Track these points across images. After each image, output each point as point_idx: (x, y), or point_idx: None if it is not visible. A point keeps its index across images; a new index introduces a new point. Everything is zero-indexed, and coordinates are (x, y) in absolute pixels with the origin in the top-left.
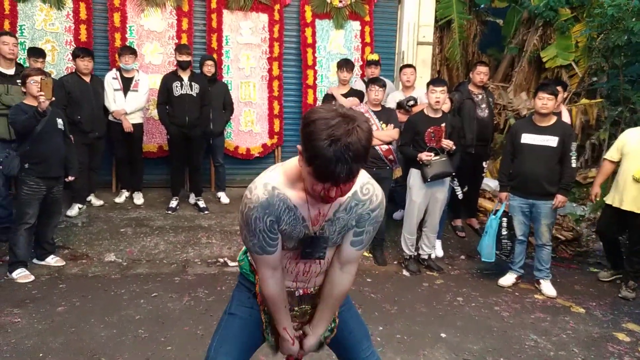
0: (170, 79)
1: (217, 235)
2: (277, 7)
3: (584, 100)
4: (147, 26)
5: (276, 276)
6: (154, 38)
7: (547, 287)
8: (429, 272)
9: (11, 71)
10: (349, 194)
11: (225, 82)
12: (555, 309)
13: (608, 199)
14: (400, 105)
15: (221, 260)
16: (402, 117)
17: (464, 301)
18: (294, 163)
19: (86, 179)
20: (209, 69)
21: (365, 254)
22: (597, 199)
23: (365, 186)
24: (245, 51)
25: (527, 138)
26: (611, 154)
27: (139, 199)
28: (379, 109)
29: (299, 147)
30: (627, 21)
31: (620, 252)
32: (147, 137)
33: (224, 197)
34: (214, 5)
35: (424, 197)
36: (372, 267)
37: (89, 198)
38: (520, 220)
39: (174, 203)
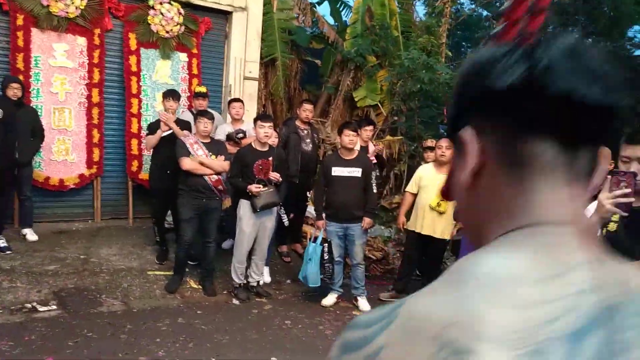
0: None
1: (22, 278)
2: (97, 31)
3: (388, 137)
4: None
5: None
6: None
7: (364, 303)
8: (258, 299)
9: None
10: None
11: (34, 107)
12: None
13: (410, 226)
14: (229, 137)
15: (28, 305)
16: (232, 149)
17: (292, 324)
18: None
19: None
20: (14, 92)
21: (194, 285)
22: (405, 227)
23: None
24: (59, 75)
25: (337, 171)
26: (410, 187)
27: None
28: (208, 140)
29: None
30: (419, 72)
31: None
32: None
33: (30, 234)
34: (20, 22)
35: (254, 227)
36: (201, 299)
37: None
38: (336, 243)
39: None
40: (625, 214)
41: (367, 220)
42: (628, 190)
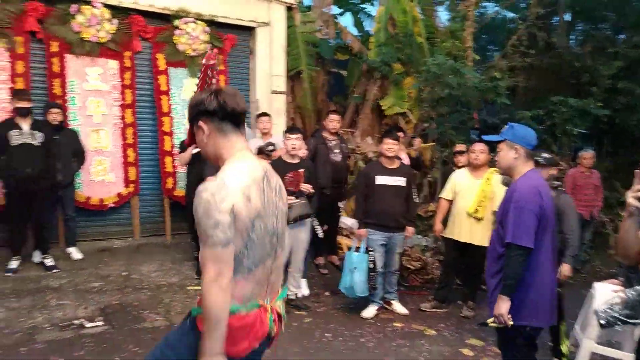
0: (5, 126)
1: (70, 295)
2: (127, 53)
3: (420, 144)
4: None
5: None
6: None
7: (399, 306)
8: (297, 312)
9: None
10: None
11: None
12: (412, 334)
13: (448, 233)
14: (260, 150)
15: (76, 322)
16: None
17: (332, 337)
18: None
19: None
20: (54, 116)
21: None
22: (442, 235)
23: None
24: (94, 98)
25: (381, 179)
26: (446, 194)
27: None
28: None
29: None
30: (447, 77)
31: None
32: None
33: (75, 253)
34: (54, 48)
35: (288, 239)
36: None
37: None
38: (380, 252)
39: (14, 264)
40: None
41: (410, 229)
42: None
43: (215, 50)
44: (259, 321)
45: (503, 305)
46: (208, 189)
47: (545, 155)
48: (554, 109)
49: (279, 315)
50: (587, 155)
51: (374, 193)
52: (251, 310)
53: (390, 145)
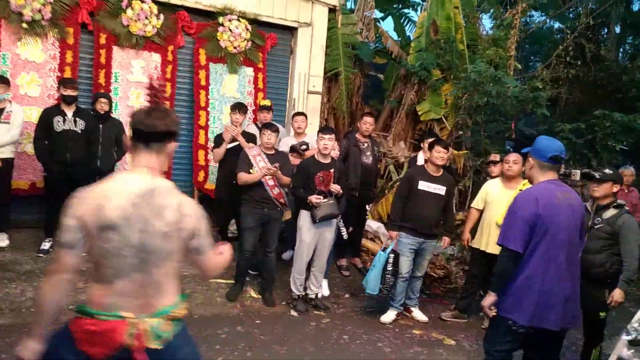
0: (51, 113)
1: None
2: (170, 48)
3: (453, 152)
4: (24, 55)
5: None
6: (31, 68)
7: (419, 314)
8: (316, 312)
9: None
10: None
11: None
12: (431, 343)
13: (475, 243)
14: (293, 149)
15: None
16: (295, 161)
17: (350, 339)
18: None
19: None
20: (102, 106)
21: (254, 294)
22: (469, 244)
23: None
24: (135, 89)
25: (423, 185)
26: (476, 203)
27: (3, 240)
28: (272, 152)
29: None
30: (486, 85)
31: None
32: (18, 172)
33: None
34: (103, 40)
35: (313, 237)
36: (261, 308)
37: None
38: (407, 258)
39: (46, 245)
40: None
41: (447, 240)
42: None
43: (159, 77)
44: (115, 331)
45: (488, 299)
46: (74, 196)
47: (606, 171)
48: (597, 123)
49: (147, 331)
50: (627, 172)
51: (413, 197)
52: (109, 319)
53: (441, 153)
